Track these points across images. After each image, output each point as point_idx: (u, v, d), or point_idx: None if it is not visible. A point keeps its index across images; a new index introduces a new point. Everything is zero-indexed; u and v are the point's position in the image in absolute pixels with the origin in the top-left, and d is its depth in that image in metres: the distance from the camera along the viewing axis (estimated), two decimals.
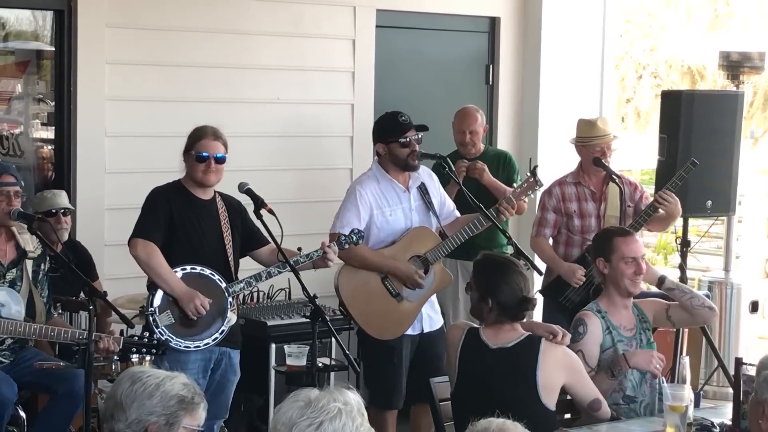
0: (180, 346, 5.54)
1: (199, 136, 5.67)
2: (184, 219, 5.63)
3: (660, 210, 6.66)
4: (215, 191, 5.76)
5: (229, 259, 5.72)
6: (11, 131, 7.05)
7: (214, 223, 5.71)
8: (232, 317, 5.66)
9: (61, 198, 6.59)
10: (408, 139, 6.12)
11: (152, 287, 5.60)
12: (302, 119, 7.75)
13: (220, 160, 5.65)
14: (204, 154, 5.62)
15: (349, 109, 7.93)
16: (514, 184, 6.85)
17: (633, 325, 5.39)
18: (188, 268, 5.58)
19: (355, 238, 5.85)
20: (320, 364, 6.01)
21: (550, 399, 4.78)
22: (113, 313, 5.63)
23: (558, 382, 4.81)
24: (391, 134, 6.17)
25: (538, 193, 6.82)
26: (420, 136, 6.16)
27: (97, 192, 7.01)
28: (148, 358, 5.65)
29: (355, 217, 6.05)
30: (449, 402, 5.24)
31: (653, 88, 16.88)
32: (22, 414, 5.67)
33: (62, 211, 6.52)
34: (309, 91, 7.78)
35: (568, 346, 4.99)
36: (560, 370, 4.83)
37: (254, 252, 5.86)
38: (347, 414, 2.82)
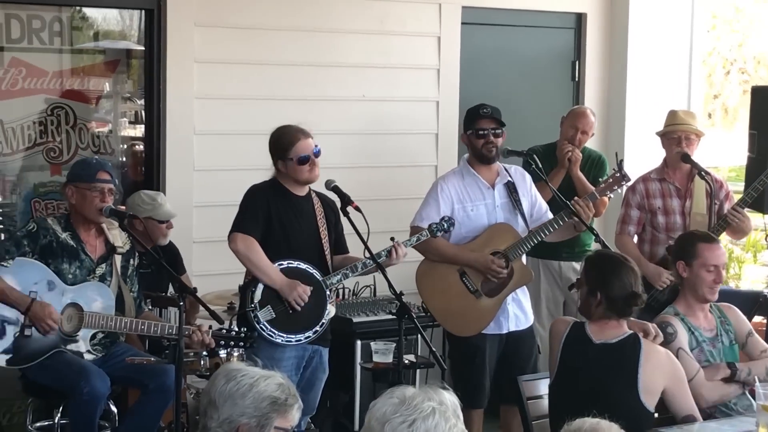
0: (281, 339, 5.58)
1: (290, 140, 5.69)
2: (282, 215, 5.68)
3: (732, 224, 6.61)
4: (309, 188, 5.80)
5: (326, 253, 5.77)
6: (100, 130, 7.15)
7: (311, 219, 5.76)
8: (331, 309, 5.73)
9: (170, 206, 6.55)
10: (483, 129, 6.10)
11: (248, 286, 5.65)
12: (387, 116, 7.76)
13: (318, 154, 5.72)
14: (304, 155, 5.67)
15: (434, 107, 7.92)
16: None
17: (713, 326, 5.36)
18: (285, 263, 5.63)
19: (446, 225, 5.86)
20: (406, 361, 6.01)
21: (650, 400, 4.75)
22: (201, 309, 5.70)
23: (659, 386, 4.77)
24: (468, 124, 6.21)
25: (623, 189, 6.75)
26: (500, 130, 6.11)
27: (186, 189, 7.07)
28: (236, 353, 5.70)
29: (434, 212, 6.06)
30: (537, 400, 5.25)
31: (741, 84, 16.63)
32: (114, 408, 5.75)
33: (170, 219, 6.53)
34: (394, 88, 7.78)
35: (665, 347, 4.96)
36: (663, 373, 4.79)
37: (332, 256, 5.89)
38: (441, 414, 2.81)
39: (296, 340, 5.63)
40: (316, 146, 5.72)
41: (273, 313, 5.60)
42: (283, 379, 3.29)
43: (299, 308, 5.60)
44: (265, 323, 5.58)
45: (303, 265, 5.66)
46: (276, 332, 5.59)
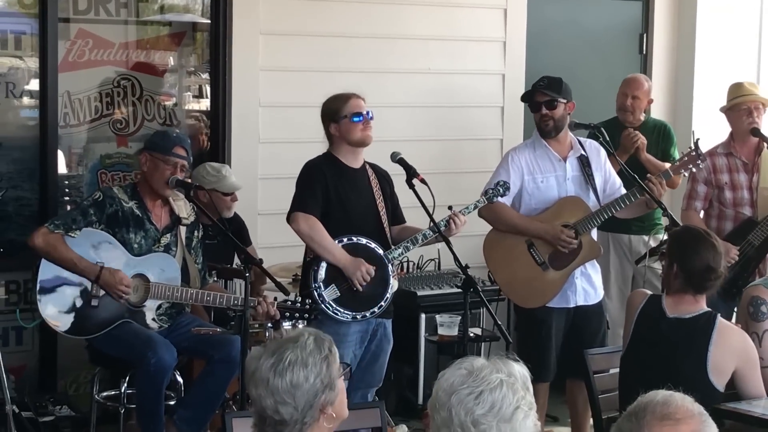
0: (348, 317, 5.56)
1: (343, 99, 5.66)
2: (339, 189, 5.64)
3: None
4: (364, 160, 5.77)
5: (384, 225, 5.71)
6: (166, 102, 7.18)
7: (368, 192, 5.72)
8: (394, 284, 5.67)
9: (235, 178, 6.56)
10: (535, 105, 6.10)
11: (312, 263, 5.61)
12: (452, 89, 7.71)
13: (371, 117, 5.67)
14: (358, 112, 5.63)
15: (500, 80, 7.86)
16: (674, 157, 6.70)
17: None
18: (345, 239, 5.59)
19: (501, 189, 5.82)
20: (471, 334, 6.01)
21: (719, 380, 4.68)
22: (267, 281, 5.70)
23: (730, 366, 4.70)
24: (525, 98, 6.23)
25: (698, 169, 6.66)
26: (556, 102, 6.04)
27: (251, 161, 7.08)
28: (300, 324, 5.70)
29: (504, 181, 6.02)
30: (604, 375, 5.22)
31: None
32: (180, 379, 5.80)
33: (235, 191, 6.54)
34: (459, 61, 7.73)
35: (751, 324, 4.93)
36: (734, 354, 4.71)
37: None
38: (509, 386, 2.77)
39: (361, 317, 5.60)
40: (368, 111, 5.67)
41: (338, 292, 5.57)
42: (311, 333, 3.25)
43: (362, 287, 5.57)
44: (330, 302, 5.55)
45: (364, 240, 5.62)
46: (341, 310, 5.56)
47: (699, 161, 6.25)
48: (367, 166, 5.80)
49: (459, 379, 2.81)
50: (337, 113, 5.65)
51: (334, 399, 3.18)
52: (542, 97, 6.08)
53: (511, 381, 2.80)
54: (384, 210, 5.74)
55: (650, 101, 7.37)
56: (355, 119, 5.61)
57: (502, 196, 5.85)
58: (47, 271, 5.48)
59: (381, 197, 5.75)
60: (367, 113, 5.66)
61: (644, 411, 2.49)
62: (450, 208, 5.60)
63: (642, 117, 7.32)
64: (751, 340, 4.88)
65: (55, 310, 5.48)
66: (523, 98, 6.29)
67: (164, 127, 6.89)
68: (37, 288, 5.47)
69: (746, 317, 5.11)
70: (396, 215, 5.88)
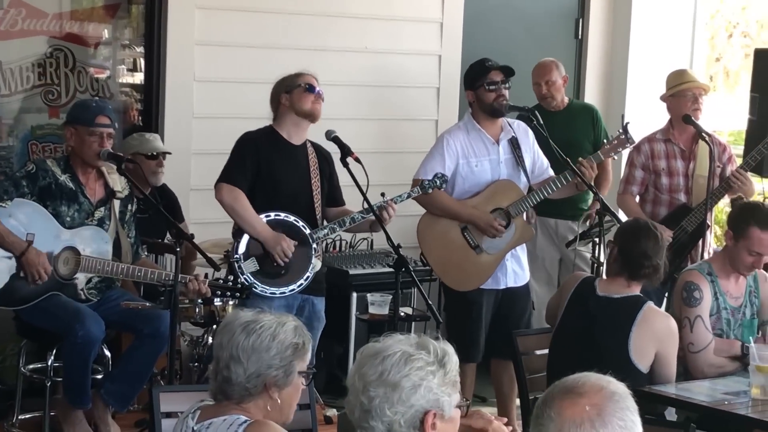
0: (266, 292, 5.59)
1: (300, 74, 5.73)
2: (272, 164, 5.65)
3: (733, 186, 6.55)
4: (306, 139, 5.77)
5: (316, 205, 5.74)
6: (99, 75, 7.11)
7: (303, 169, 5.74)
8: (316, 263, 5.69)
9: (160, 142, 6.64)
10: (494, 82, 6.09)
11: (237, 235, 5.65)
12: (389, 69, 7.72)
13: (322, 96, 5.72)
14: (312, 85, 5.68)
15: (437, 60, 7.88)
16: (603, 141, 6.76)
17: (741, 294, 5.32)
18: (272, 215, 5.61)
19: (438, 182, 5.84)
20: (402, 314, 6.02)
21: (641, 362, 4.79)
22: (198, 256, 5.70)
23: (651, 350, 4.82)
24: (478, 79, 6.17)
25: (626, 152, 6.74)
26: (508, 83, 6.11)
27: (185, 136, 7.04)
28: (231, 302, 5.71)
29: (439, 165, 6.05)
30: (531, 355, 5.29)
31: (743, 47, 16.54)
32: (107, 353, 5.78)
33: (159, 154, 6.55)
34: (396, 41, 7.74)
35: (684, 309, 5.08)
36: (655, 338, 4.83)
37: (327, 208, 5.87)
38: (406, 358, 2.79)
39: (280, 293, 5.63)
40: (320, 90, 5.73)
41: (257, 266, 5.59)
42: (295, 321, 3.30)
43: (283, 263, 5.59)
44: (248, 274, 5.58)
45: (291, 218, 5.64)
46: (260, 284, 5.59)
47: (628, 144, 6.33)
48: (308, 144, 5.82)
49: (369, 350, 2.86)
50: (292, 84, 5.70)
51: (285, 385, 3.21)
52: (500, 76, 6.12)
53: (414, 355, 2.82)
54: (319, 190, 5.75)
55: (565, 79, 7.43)
56: (309, 90, 5.65)
57: (438, 188, 5.87)
58: None
59: (318, 177, 5.77)
60: (319, 91, 5.70)
61: (555, 387, 2.51)
62: (383, 195, 5.59)
63: (566, 100, 7.41)
64: (678, 327, 4.98)
65: None
66: (477, 79, 6.18)
67: (82, 99, 6.77)
68: None
69: (680, 302, 5.22)
70: (334, 197, 5.89)
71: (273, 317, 3.26)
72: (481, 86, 6.12)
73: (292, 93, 5.68)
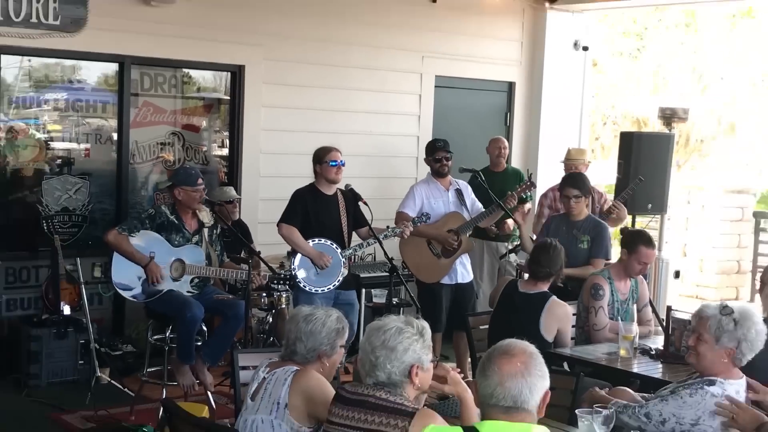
0: (313, 289, 5.56)
1: (327, 150, 5.66)
2: (315, 209, 5.63)
3: (612, 214, 6.48)
4: (337, 188, 5.75)
5: (344, 233, 5.70)
6: (201, 149, 7.15)
7: (335, 211, 5.70)
8: (344, 271, 5.66)
9: (234, 192, 6.62)
10: (437, 159, 6.14)
11: (292, 254, 5.63)
12: (384, 145, 7.72)
13: (343, 165, 5.66)
14: (335, 161, 5.62)
15: (416, 140, 7.85)
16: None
17: (627, 292, 5.13)
18: (317, 240, 5.59)
19: (424, 218, 5.88)
20: (394, 301, 6.03)
21: (548, 335, 4.76)
22: (262, 265, 5.68)
23: (554, 327, 4.79)
24: (429, 153, 6.24)
25: (537, 193, 6.74)
26: (449, 155, 6.13)
27: (255, 188, 7.05)
28: (284, 295, 5.67)
29: (411, 203, 6.11)
30: (478, 329, 5.22)
31: (613, 131, 16.74)
32: (204, 328, 5.73)
33: (235, 200, 6.55)
34: (389, 127, 7.75)
35: (590, 301, 4.92)
36: (556, 320, 4.79)
37: (357, 230, 5.82)
38: (398, 330, 2.82)
39: (321, 290, 5.59)
40: (342, 160, 5.68)
41: (305, 273, 5.57)
42: (337, 313, 3.31)
43: (323, 269, 5.57)
44: (301, 279, 5.56)
45: (327, 242, 5.62)
46: (308, 285, 5.57)
47: (533, 188, 6.38)
48: (339, 193, 5.73)
49: (373, 326, 2.87)
50: (322, 158, 5.64)
51: (331, 355, 3.24)
52: (444, 153, 6.15)
53: (404, 329, 2.82)
54: (346, 224, 5.69)
55: (507, 153, 7.42)
56: (332, 164, 5.61)
57: (424, 222, 5.90)
58: (119, 259, 5.41)
59: (345, 214, 5.71)
60: (341, 162, 5.63)
61: (494, 350, 2.52)
62: (388, 227, 5.66)
63: (505, 164, 7.40)
64: (585, 314, 4.92)
65: (125, 283, 5.43)
66: (429, 153, 6.21)
67: (184, 166, 6.74)
68: (112, 271, 5.41)
69: (588, 296, 5.04)
70: (359, 222, 5.76)
71: (323, 311, 3.28)
72: (431, 158, 6.19)
73: (322, 165, 5.63)
